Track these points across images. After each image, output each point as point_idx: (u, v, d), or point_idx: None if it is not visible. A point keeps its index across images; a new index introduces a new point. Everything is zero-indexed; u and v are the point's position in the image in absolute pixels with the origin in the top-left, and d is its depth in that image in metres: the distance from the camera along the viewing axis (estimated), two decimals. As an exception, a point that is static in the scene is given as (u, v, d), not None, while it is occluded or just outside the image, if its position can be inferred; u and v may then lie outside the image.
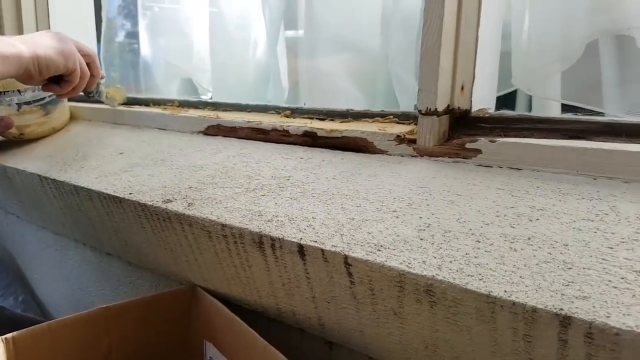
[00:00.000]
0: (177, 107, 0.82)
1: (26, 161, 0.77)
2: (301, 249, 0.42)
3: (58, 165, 0.72)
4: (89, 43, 1.19)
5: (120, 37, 1.24)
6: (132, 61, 1.23)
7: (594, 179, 0.41)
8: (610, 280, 0.31)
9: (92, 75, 0.69)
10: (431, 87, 0.48)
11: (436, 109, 0.49)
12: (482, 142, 0.47)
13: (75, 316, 0.51)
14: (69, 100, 0.92)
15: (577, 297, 0.30)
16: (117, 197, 0.58)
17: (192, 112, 0.76)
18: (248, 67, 0.88)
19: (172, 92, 1.14)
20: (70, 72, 0.63)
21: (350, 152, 0.56)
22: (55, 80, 0.64)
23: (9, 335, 0.47)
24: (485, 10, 0.50)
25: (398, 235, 0.39)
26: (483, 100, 0.54)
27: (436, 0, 0.46)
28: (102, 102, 0.82)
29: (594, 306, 0.29)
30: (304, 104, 0.66)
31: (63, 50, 0.61)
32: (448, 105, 0.50)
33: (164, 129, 0.78)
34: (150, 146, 0.71)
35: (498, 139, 0.46)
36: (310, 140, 0.60)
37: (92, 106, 0.90)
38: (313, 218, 0.44)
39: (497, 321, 0.32)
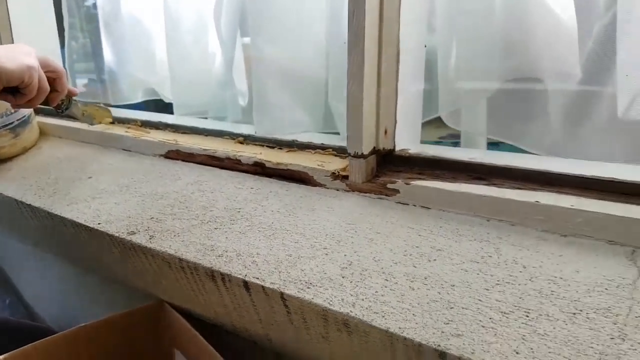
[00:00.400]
0: (140, 126, 0.85)
1: (2, 183, 0.80)
2: (246, 284, 0.48)
3: (32, 190, 0.75)
4: (53, 48, 1.19)
5: (84, 44, 1.25)
6: (97, 68, 1.24)
7: (487, 221, 0.49)
8: (480, 320, 0.38)
9: (55, 91, 0.70)
10: (357, 134, 0.54)
11: (362, 153, 0.55)
12: (399, 184, 0.54)
13: (60, 335, 0.56)
14: (37, 113, 0.94)
15: (452, 335, 0.37)
16: (88, 227, 0.62)
17: (154, 135, 0.80)
18: (206, 77, 0.92)
19: (138, 97, 1.17)
20: (26, 85, 0.62)
21: (294, 183, 0.62)
22: (10, 91, 0.64)
23: (2, 357, 0.52)
24: (403, 67, 0.56)
25: (325, 273, 0.46)
26: (407, 139, 0.60)
27: (358, 63, 0.52)
28: (76, 119, 0.85)
29: (464, 343, 0.37)
30: (255, 133, 0.71)
31: (21, 62, 0.61)
32: (374, 147, 0.57)
33: (129, 150, 0.82)
34: (115, 170, 0.75)
35: (412, 182, 0.53)
36: (260, 169, 0.66)
37: (61, 123, 0.93)
38: (257, 254, 0.51)
39: (395, 350, 0.40)
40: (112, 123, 0.88)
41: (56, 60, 0.69)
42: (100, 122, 0.87)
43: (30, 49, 0.64)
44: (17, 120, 0.83)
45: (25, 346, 0.55)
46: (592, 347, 0.35)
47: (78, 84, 1.25)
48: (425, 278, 0.43)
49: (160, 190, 0.67)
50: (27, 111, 0.87)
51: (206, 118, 0.92)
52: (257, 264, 0.49)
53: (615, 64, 0.52)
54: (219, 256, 0.51)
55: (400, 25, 0.54)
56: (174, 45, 0.90)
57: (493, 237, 0.46)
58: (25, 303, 1.02)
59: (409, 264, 0.45)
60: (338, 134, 0.69)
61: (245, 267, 0.49)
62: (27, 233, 0.82)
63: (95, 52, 1.23)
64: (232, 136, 0.74)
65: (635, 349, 0.34)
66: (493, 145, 0.70)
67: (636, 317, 0.36)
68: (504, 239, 0.46)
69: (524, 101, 0.61)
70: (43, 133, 0.95)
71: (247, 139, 0.72)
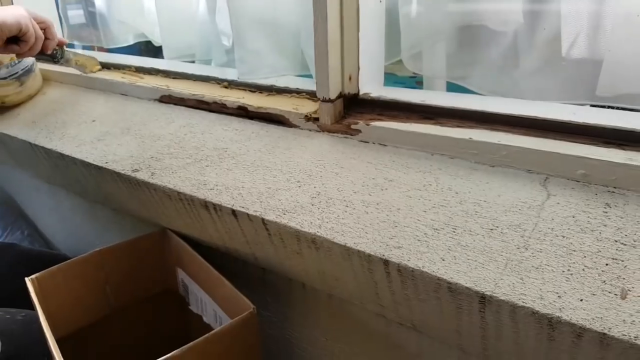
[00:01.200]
0: (135, 72, 0.87)
1: (14, 127, 0.84)
2: (234, 212, 0.54)
3: (43, 133, 0.79)
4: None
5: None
6: (90, 14, 1.23)
7: (431, 155, 0.54)
8: (417, 235, 0.45)
9: (47, 39, 0.75)
10: (324, 81, 0.58)
11: (330, 97, 0.59)
12: (361, 125, 0.58)
13: (79, 258, 0.63)
14: (39, 61, 0.95)
15: (394, 247, 0.44)
16: (96, 165, 0.67)
17: (148, 80, 0.83)
18: (192, 21, 0.92)
19: (130, 40, 1.17)
20: (24, 32, 0.68)
21: (273, 125, 0.67)
22: (13, 41, 0.70)
23: (33, 277, 0.60)
24: (364, 18, 0.58)
25: (298, 202, 0.52)
26: (371, 84, 0.64)
27: (322, 14, 0.54)
28: (71, 67, 0.87)
29: (402, 253, 0.44)
30: (237, 78, 0.74)
31: (14, 13, 0.67)
32: (340, 92, 0.61)
33: (126, 95, 0.85)
34: (116, 114, 0.79)
35: (371, 123, 0.58)
36: (243, 112, 0.70)
37: (61, 70, 0.94)
38: (242, 187, 0.56)
39: (352, 260, 0.47)
40: (101, 69, 0.90)
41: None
42: (91, 71, 0.89)
43: (19, 5, 0.68)
44: (22, 69, 0.85)
45: (51, 268, 0.62)
46: (501, 255, 0.42)
47: (70, 16, 1.23)
48: (378, 204, 0.49)
49: (157, 132, 0.71)
50: (30, 60, 0.89)
51: (193, 61, 0.94)
52: (242, 196, 0.55)
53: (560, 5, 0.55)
54: (211, 189, 0.57)
55: (360, -20, 0.56)
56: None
57: (434, 168, 0.52)
58: (42, 234, 1.09)
59: (366, 193, 0.51)
60: (312, 77, 0.72)
61: (233, 198, 0.55)
62: (40, 172, 0.87)
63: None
64: (218, 81, 0.77)
65: (535, 256, 0.41)
66: (453, 85, 0.74)
67: (539, 231, 0.43)
68: (443, 170, 0.52)
69: (472, 45, 0.64)
70: (46, 80, 0.97)
71: (231, 84, 0.76)
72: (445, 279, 0.41)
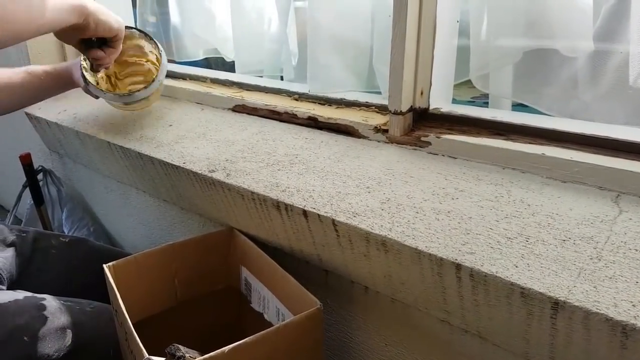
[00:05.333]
0: (210, 83, 0.96)
1: (94, 127, 0.93)
2: (305, 213, 0.59)
3: (121, 134, 0.88)
4: (126, 7, 1.29)
5: (151, 4, 1.34)
6: (164, 28, 1.35)
7: (502, 169, 0.57)
8: (489, 243, 0.48)
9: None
10: (397, 94, 0.63)
11: (401, 110, 0.64)
12: (431, 137, 0.62)
13: (152, 250, 0.69)
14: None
15: (467, 253, 0.47)
16: (174, 165, 0.74)
17: (222, 91, 0.90)
18: (263, 39, 1.00)
19: (200, 54, 1.26)
20: (119, 38, 0.67)
21: (342, 135, 0.72)
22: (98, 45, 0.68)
23: (110, 264, 0.66)
24: (439, 37, 0.63)
25: (368, 206, 0.56)
26: (440, 99, 0.68)
27: (401, 34, 0.60)
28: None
29: (475, 259, 0.46)
30: (308, 91, 0.80)
31: (117, 18, 0.66)
32: (411, 106, 0.65)
33: (201, 104, 0.92)
34: (192, 120, 0.87)
35: (442, 136, 0.61)
36: (313, 122, 0.75)
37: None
38: (313, 190, 0.61)
39: (422, 264, 0.50)
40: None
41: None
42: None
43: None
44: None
45: (127, 257, 0.68)
46: (574, 264, 0.44)
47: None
48: (449, 212, 0.53)
49: (231, 137, 0.78)
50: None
51: (261, 76, 1.02)
52: (313, 198, 0.60)
53: (628, 36, 0.58)
54: (283, 191, 0.62)
55: (437, 1, 0.61)
56: (237, 8, 0.99)
57: (506, 181, 0.55)
58: (106, 231, 1.18)
59: (436, 201, 0.55)
60: (380, 93, 0.77)
61: (304, 200, 0.60)
62: (115, 171, 0.95)
63: (162, 11, 1.32)
64: (289, 94, 0.83)
65: (608, 267, 0.43)
66: (518, 106, 0.77)
67: (612, 244, 0.45)
68: (515, 183, 0.55)
69: (543, 68, 0.67)
70: (124, 87, 1.07)
71: (301, 97, 0.82)
72: (519, 284, 0.43)
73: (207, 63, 1.39)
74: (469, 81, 0.74)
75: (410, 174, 0.60)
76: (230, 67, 1.07)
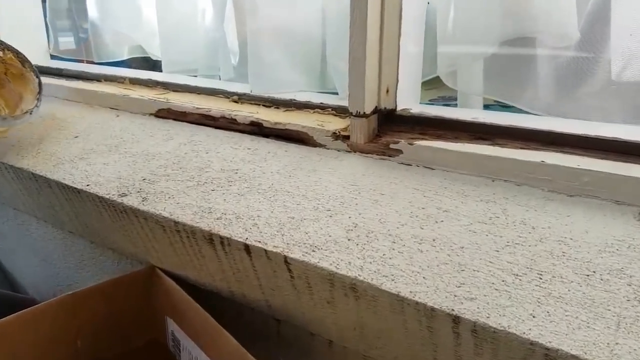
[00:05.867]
0: (128, 84, 0.80)
1: (-20, 142, 0.74)
2: (247, 248, 0.45)
3: (14, 150, 0.70)
4: (34, 3, 1.10)
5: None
6: (79, 24, 1.16)
7: (492, 181, 0.46)
8: (493, 283, 0.36)
9: None
10: (359, 93, 0.51)
11: (364, 112, 0.51)
12: (402, 144, 0.50)
13: (43, 305, 0.52)
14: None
15: (466, 299, 0.35)
16: (75, 188, 0.58)
17: (144, 93, 0.75)
18: (196, 34, 0.86)
19: (124, 54, 1.10)
20: None
21: (293, 144, 0.59)
22: None
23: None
24: (406, 25, 0.51)
25: (330, 236, 0.43)
26: (408, 99, 0.57)
27: (361, 19, 0.47)
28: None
29: (478, 307, 0.35)
30: (250, 91, 0.67)
31: None
32: (375, 107, 0.53)
33: (117, 109, 0.76)
34: (104, 130, 0.70)
35: (415, 142, 0.50)
36: (257, 129, 0.62)
37: (45, 81, 0.86)
38: (258, 216, 0.47)
39: (406, 314, 0.38)
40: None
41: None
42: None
43: None
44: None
45: (8, 317, 0.51)
46: (609, 310, 0.33)
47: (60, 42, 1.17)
48: (434, 240, 0.41)
49: (152, 150, 0.63)
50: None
51: (195, 77, 0.87)
52: (258, 227, 0.46)
53: (610, 28, 0.49)
54: (218, 219, 0.48)
55: (405, -23, 0.50)
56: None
57: (499, 197, 0.44)
58: (5, 270, 0.98)
59: (416, 226, 0.42)
60: (336, 93, 0.64)
61: (246, 230, 0.46)
62: (8, 196, 0.77)
63: (78, 6, 1.14)
64: (227, 94, 0.69)
65: (651, 311, 0.33)
66: (493, 106, 0.67)
67: (649, 278, 0.35)
68: (511, 200, 0.44)
69: (521, 62, 0.57)
70: (24, 91, 0.88)
71: (242, 98, 0.68)
72: (542, 344, 0.32)
73: (137, 65, 1.21)
74: (425, 82, 0.63)
75: (380, 190, 0.48)
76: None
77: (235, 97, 0.68)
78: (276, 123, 0.59)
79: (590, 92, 0.52)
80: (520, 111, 0.57)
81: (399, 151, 0.51)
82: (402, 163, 0.51)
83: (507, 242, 0.39)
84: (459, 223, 0.42)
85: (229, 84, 0.74)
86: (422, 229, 0.42)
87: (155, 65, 1.01)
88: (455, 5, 0.58)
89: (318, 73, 0.68)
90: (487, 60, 0.58)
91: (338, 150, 0.55)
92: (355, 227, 0.44)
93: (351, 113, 0.52)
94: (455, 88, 0.64)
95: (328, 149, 0.56)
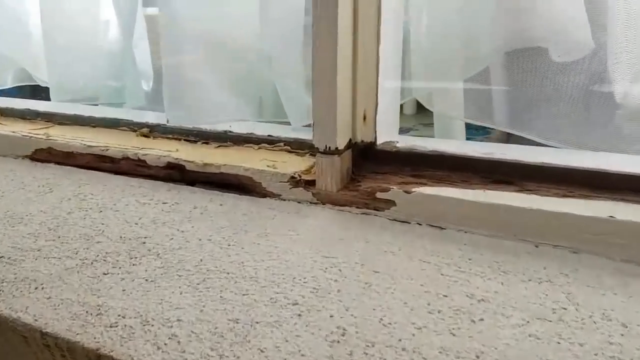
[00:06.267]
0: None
1: None
2: (161, 381, 0.26)
3: None
4: None
5: None
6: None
7: (536, 247, 0.32)
8: None
9: None
10: (329, 120, 0.35)
11: (336, 147, 0.36)
12: (394, 192, 0.35)
13: None
14: None
15: None
16: None
17: (18, 127, 0.54)
18: (96, 53, 0.67)
19: (7, 81, 0.87)
20: None
21: (233, 194, 0.41)
22: None
23: None
24: (386, 24, 0.37)
25: (303, 355, 0.26)
26: (389, 129, 0.42)
27: (327, 18, 0.32)
28: None
29: None
30: (167, 121, 0.49)
31: None
32: (350, 140, 0.38)
33: (-23, 149, 0.55)
34: (-50, 179, 0.49)
35: (414, 189, 0.35)
36: (177, 174, 0.44)
37: None
38: (178, 320, 0.29)
39: None
40: None
41: None
42: None
43: None
44: None
45: None
46: None
47: None
48: (478, 357, 0.25)
49: (19, 210, 0.42)
50: None
51: (96, 105, 0.67)
52: (179, 341, 0.28)
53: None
54: (112, 326, 0.29)
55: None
56: (49, 12, 0.64)
57: (555, 274, 0.30)
58: None
59: (443, 330, 0.26)
60: (288, 123, 0.48)
61: (159, 349, 0.27)
62: None
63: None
64: (133, 127, 0.51)
65: None
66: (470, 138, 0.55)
67: None
68: (572, 277, 0.29)
69: (534, 76, 0.45)
70: None
71: (154, 131, 0.50)
72: None
73: (25, 95, 0.97)
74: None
75: (372, 265, 0.32)
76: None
77: (146, 130, 0.50)
78: (205, 165, 0.42)
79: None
80: (530, 142, 0.45)
81: (390, 202, 0.35)
82: (395, 220, 0.36)
83: (594, 353, 0.24)
84: (509, 322, 0.27)
85: (138, 112, 0.56)
86: (454, 334, 0.26)
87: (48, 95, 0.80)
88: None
89: (261, 97, 0.52)
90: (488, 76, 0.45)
91: (299, 202, 0.39)
92: (343, 335, 0.27)
93: (317, 149, 0.36)
94: (440, 112, 0.50)
95: (284, 200, 0.39)
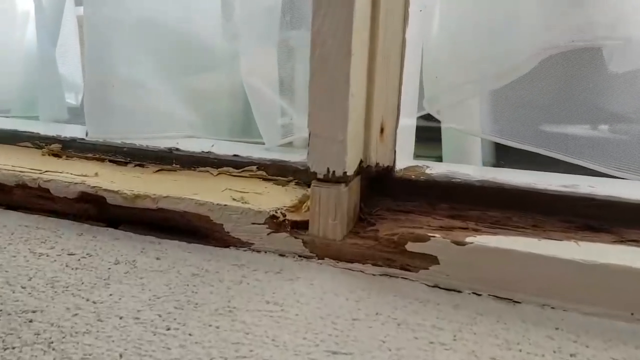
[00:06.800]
0: None
1: None
2: None
3: None
4: None
5: None
6: None
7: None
8: None
9: None
10: (335, 131, 0.23)
11: (344, 172, 0.23)
12: (438, 243, 0.23)
13: None
14: None
15: None
16: None
17: None
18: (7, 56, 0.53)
19: None
20: None
21: (177, 240, 0.28)
22: None
23: None
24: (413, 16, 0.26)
25: None
26: (406, 148, 0.30)
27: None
28: None
29: None
30: (86, 135, 0.35)
31: None
32: (360, 162, 0.25)
33: None
34: None
35: (468, 238, 0.22)
36: (95, 210, 0.30)
37: None
38: None
39: None
40: None
41: None
42: None
43: None
44: None
45: None
46: None
47: None
48: None
49: None
50: None
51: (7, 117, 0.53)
52: None
53: None
54: None
55: None
56: None
57: None
58: None
59: None
60: (260, 143, 0.35)
61: None
62: None
63: None
64: (40, 142, 0.36)
65: None
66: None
67: None
68: None
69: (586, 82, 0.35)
70: None
71: (69, 147, 0.35)
72: None
73: None
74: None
75: (415, 371, 0.19)
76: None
77: (57, 147, 0.35)
78: (137, 197, 0.28)
79: None
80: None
81: (430, 259, 0.23)
82: (437, 286, 0.23)
83: None
84: None
85: (48, 125, 0.41)
86: None
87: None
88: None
89: (224, 108, 0.39)
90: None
91: (283, 255, 0.26)
92: None
93: (313, 174, 0.24)
94: (461, 129, 0.39)
95: (259, 251, 0.26)
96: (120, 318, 0.22)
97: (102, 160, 0.35)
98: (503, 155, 0.45)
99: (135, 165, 0.33)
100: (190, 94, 0.37)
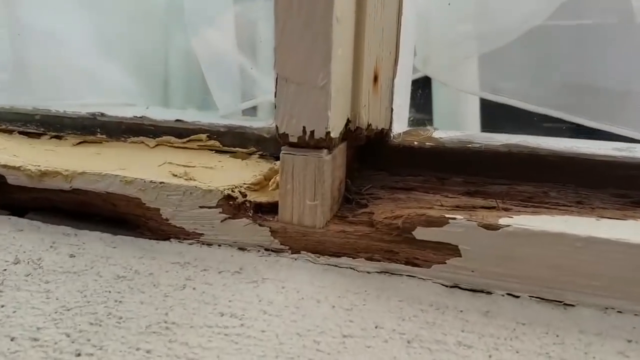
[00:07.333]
0: None
1: None
2: None
3: None
4: None
5: None
6: None
7: None
8: None
9: None
10: (313, 73, 0.16)
11: (327, 133, 0.17)
12: (460, 228, 0.16)
13: None
14: None
15: None
16: None
17: None
18: None
19: None
20: None
21: (99, 231, 0.20)
22: None
23: None
24: None
25: None
26: (403, 109, 0.24)
27: None
28: None
29: None
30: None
31: None
32: (347, 122, 0.19)
33: None
34: None
35: (502, 220, 0.16)
36: (-10, 193, 0.22)
37: None
38: None
39: None
40: None
41: None
42: None
43: None
44: None
45: None
46: None
47: None
48: None
49: None
50: None
51: None
52: None
53: None
54: None
55: None
56: None
57: None
58: None
59: None
60: (213, 108, 0.28)
61: None
62: None
63: None
64: None
65: None
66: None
67: None
68: None
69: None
70: None
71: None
72: None
73: None
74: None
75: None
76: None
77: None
78: (44, 175, 0.21)
79: None
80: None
81: (448, 248, 0.17)
82: (457, 286, 0.17)
83: None
84: None
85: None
86: None
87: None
88: None
89: (161, 58, 0.32)
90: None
91: (243, 250, 0.19)
92: None
93: (284, 136, 0.17)
94: (458, 87, 0.33)
95: (210, 244, 0.19)
96: (12, 339, 0.16)
97: (10, 131, 0.27)
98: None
99: (52, 137, 0.26)
100: (121, 49, 0.30)
